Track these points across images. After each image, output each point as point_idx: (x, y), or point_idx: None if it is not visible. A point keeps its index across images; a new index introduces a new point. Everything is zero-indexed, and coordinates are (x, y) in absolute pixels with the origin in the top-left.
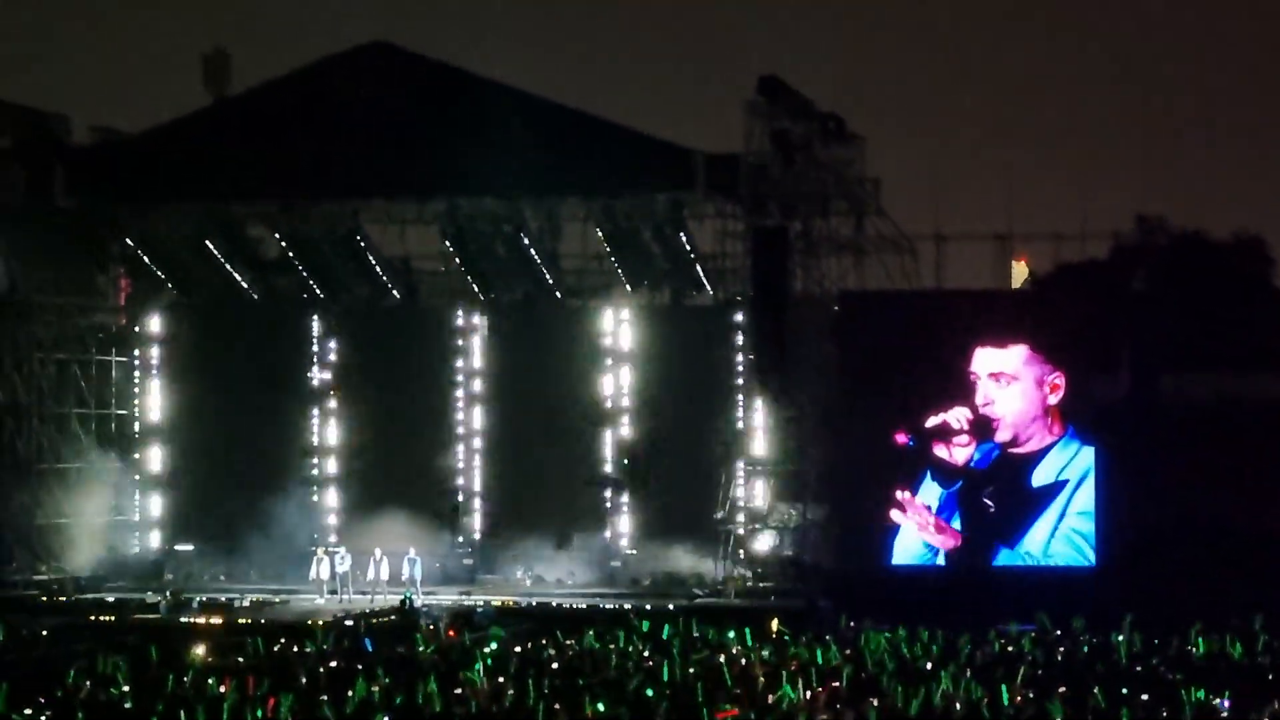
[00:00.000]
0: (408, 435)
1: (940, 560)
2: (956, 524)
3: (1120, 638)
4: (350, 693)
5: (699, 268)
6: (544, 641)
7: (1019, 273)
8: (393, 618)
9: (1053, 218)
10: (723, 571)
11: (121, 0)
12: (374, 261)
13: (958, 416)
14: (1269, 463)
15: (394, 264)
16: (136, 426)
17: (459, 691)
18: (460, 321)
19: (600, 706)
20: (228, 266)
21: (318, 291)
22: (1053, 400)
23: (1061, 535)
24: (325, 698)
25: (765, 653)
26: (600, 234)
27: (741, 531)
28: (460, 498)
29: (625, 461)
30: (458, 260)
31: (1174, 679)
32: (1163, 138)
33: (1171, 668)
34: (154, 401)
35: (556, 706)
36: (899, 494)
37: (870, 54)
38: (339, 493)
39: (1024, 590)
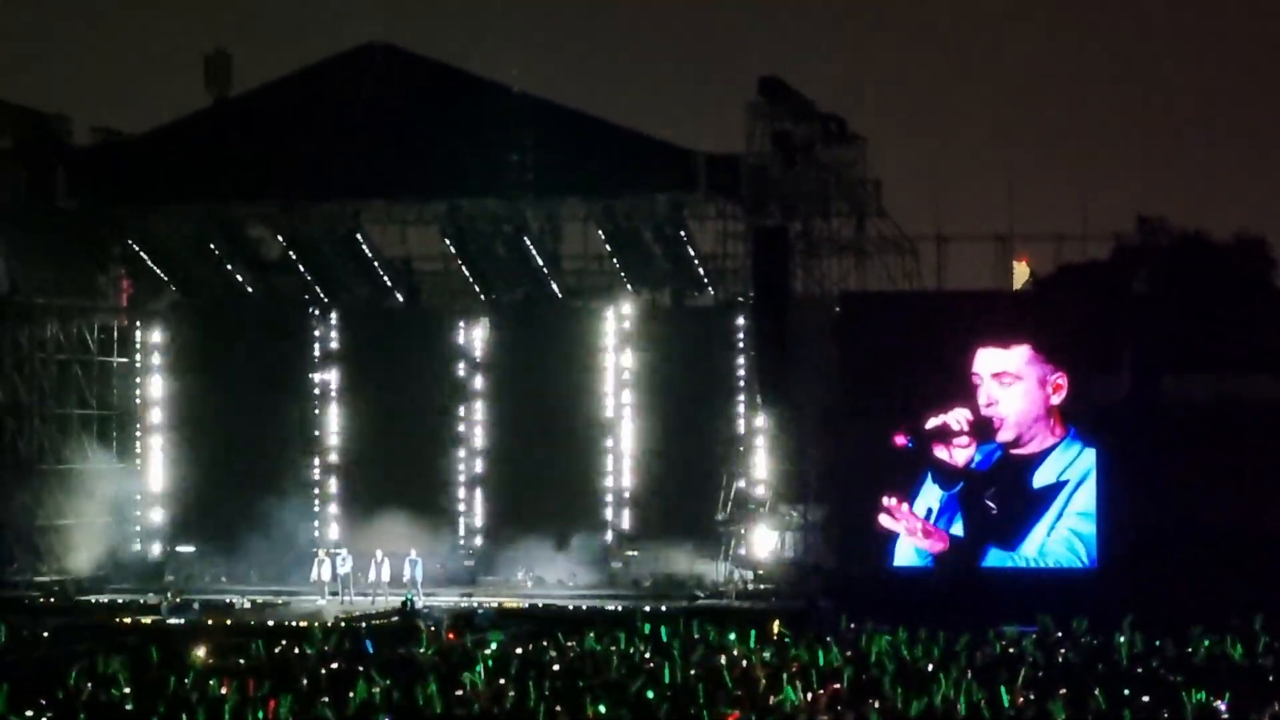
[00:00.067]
0: (409, 436)
1: (932, 564)
2: (958, 526)
3: (1121, 639)
4: (351, 694)
5: (700, 268)
6: (545, 643)
7: (1020, 273)
8: (394, 619)
9: (1054, 218)
10: (723, 573)
11: (122, 1)
12: (375, 262)
13: (958, 418)
14: (1269, 463)
15: (395, 264)
16: (137, 427)
17: (460, 693)
18: (461, 322)
19: (601, 708)
20: (229, 267)
21: (319, 292)
22: (1055, 400)
23: (1058, 536)
24: (326, 699)
25: (766, 654)
26: (601, 234)
27: (742, 533)
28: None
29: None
30: (459, 261)
31: (1175, 680)
32: (1164, 138)
33: (1172, 669)
34: (155, 402)
35: (557, 708)
36: (886, 500)
37: (871, 55)
38: (340, 494)
39: (1025, 592)
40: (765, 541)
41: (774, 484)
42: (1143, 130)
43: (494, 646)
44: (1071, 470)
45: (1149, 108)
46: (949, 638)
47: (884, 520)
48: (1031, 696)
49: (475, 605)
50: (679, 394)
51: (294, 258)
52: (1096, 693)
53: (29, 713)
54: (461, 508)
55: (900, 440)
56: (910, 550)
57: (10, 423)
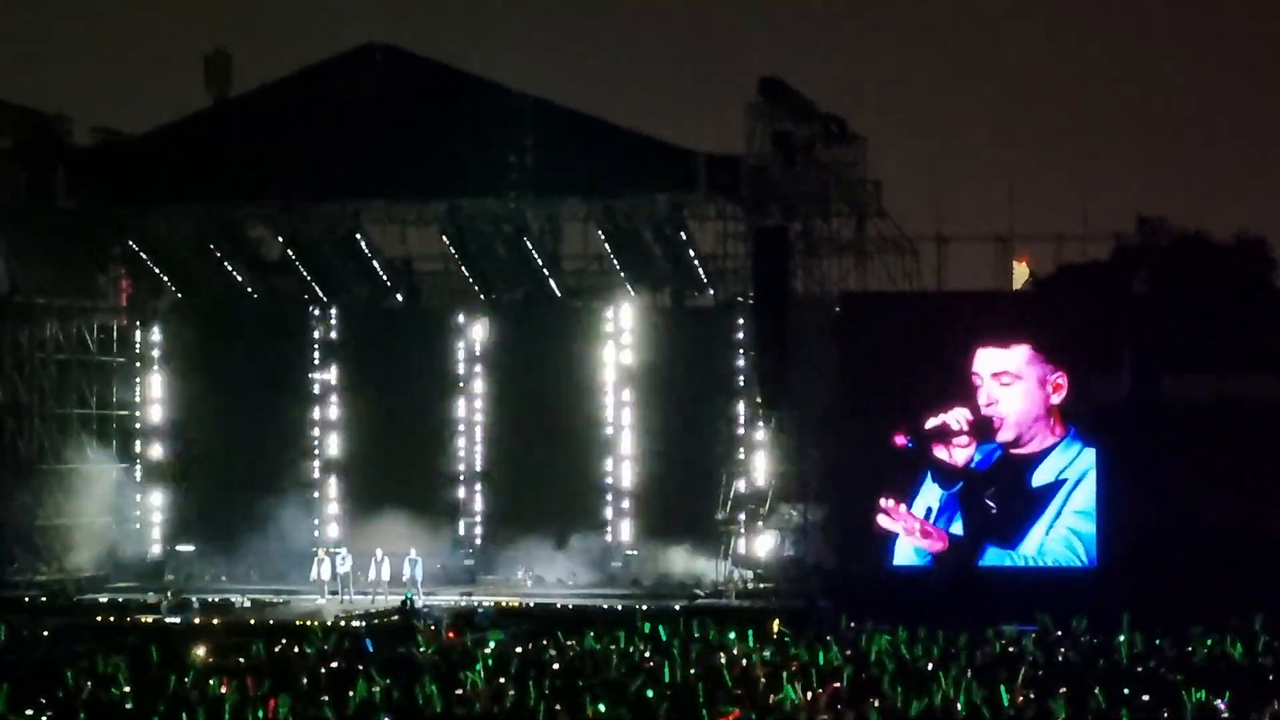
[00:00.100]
0: (408, 436)
1: (932, 564)
2: (958, 525)
3: (1121, 638)
4: (351, 693)
5: (700, 268)
6: (545, 642)
7: (1020, 274)
8: (394, 618)
9: (1054, 219)
10: (723, 572)
11: (122, 1)
12: (375, 262)
13: (957, 418)
14: (1269, 463)
15: (395, 265)
16: (138, 427)
17: (460, 692)
18: (461, 322)
19: (601, 707)
20: (229, 267)
21: (319, 292)
22: (1055, 400)
23: (1057, 535)
24: (326, 698)
25: (766, 653)
26: (601, 235)
27: (742, 532)
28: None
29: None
30: (458, 261)
31: (1174, 679)
32: (1163, 138)
33: (1172, 668)
34: (155, 402)
35: (557, 707)
36: (884, 501)
37: (871, 55)
38: (340, 493)
39: (1025, 591)
40: (765, 541)
41: (774, 484)
42: (1143, 130)
43: (493, 646)
44: (1070, 469)
45: (1149, 108)
46: (949, 637)
47: (882, 521)
48: (1031, 696)
49: (475, 604)
50: (679, 394)
51: (294, 258)
52: (1096, 692)
53: (29, 712)
54: (461, 507)
55: (900, 440)
56: (910, 550)
57: (10, 422)
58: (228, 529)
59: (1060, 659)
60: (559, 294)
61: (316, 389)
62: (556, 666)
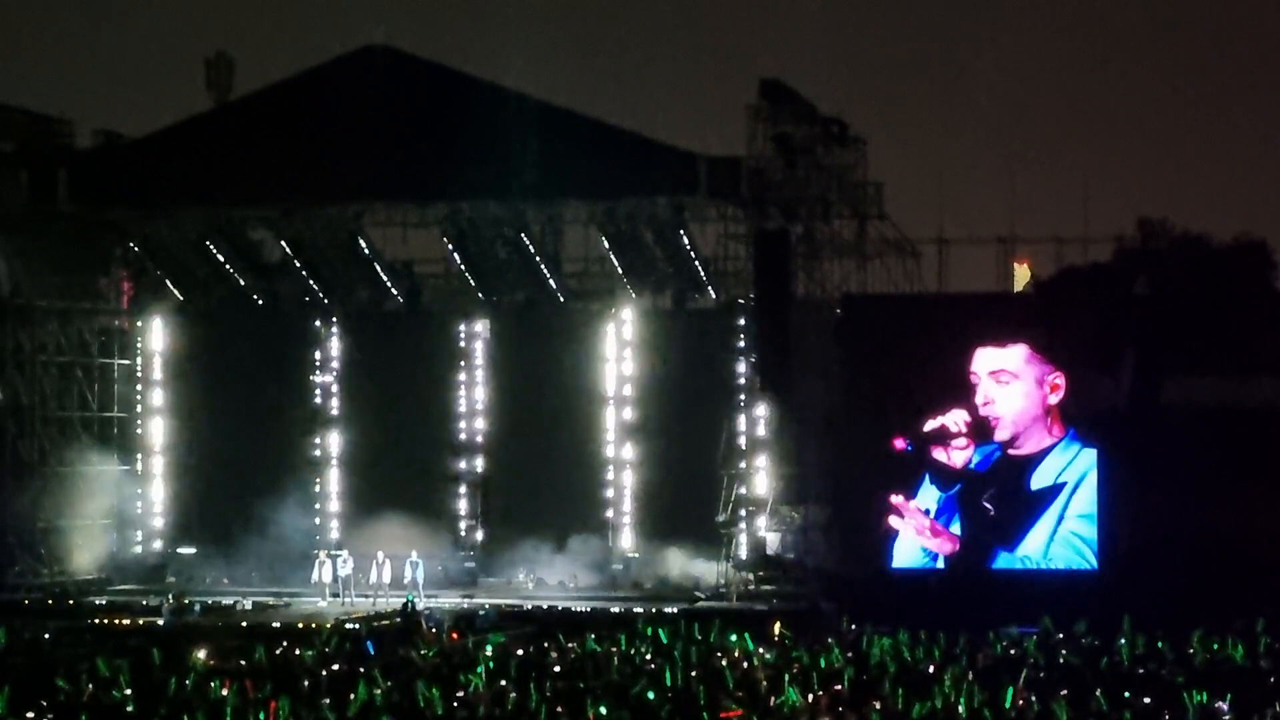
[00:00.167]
0: (410, 438)
1: (940, 564)
2: (956, 527)
3: (1122, 640)
4: (352, 696)
5: (701, 271)
6: (546, 645)
7: (1021, 276)
8: (395, 621)
9: (1055, 221)
10: (724, 574)
11: (124, 4)
12: (376, 265)
13: (955, 420)
14: (1271, 466)
15: (396, 267)
16: (139, 430)
17: (461, 695)
18: (462, 325)
19: (602, 710)
20: (230, 270)
21: (320, 295)
22: (1053, 400)
23: (1061, 538)
24: (327, 701)
25: (767, 656)
26: (602, 237)
27: (743, 534)
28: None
29: None
30: (460, 263)
31: (1176, 682)
32: (1165, 141)
33: (1173, 670)
34: (156, 405)
35: (558, 710)
36: (894, 499)
37: (872, 57)
38: (341, 496)
39: (1026, 593)
40: (766, 543)
41: (775, 485)
42: (1144, 132)
43: (494, 648)
44: (1069, 471)
45: (1150, 110)
46: (950, 639)
47: (892, 520)
48: (1033, 698)
49: (476, 607)
50: (680, 396)
51: (295, 261)
52: (1098, 694)
53: (30, 714)
54: (462, 509)
55: (899, 444)
56: (915, 550)
57: (11, 425)
58: (229, 532)
59: (1062, 661)
60: (560, 296)
61: (317, 392)
62: (557, 669)
